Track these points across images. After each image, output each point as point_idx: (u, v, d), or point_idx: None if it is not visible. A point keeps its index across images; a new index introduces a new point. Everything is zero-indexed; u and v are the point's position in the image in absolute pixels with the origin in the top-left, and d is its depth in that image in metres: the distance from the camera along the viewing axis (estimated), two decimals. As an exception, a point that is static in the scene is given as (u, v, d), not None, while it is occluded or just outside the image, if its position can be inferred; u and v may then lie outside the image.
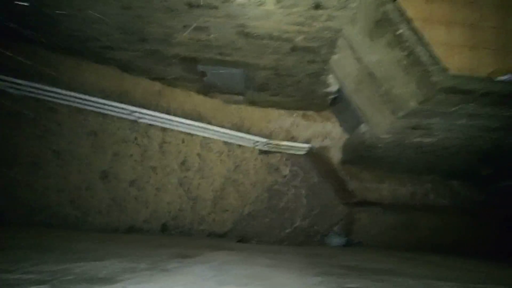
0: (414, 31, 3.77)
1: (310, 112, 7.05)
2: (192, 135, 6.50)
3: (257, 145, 6.56)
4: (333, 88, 6.07)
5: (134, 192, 6.23)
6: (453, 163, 5.99)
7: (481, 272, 3.18)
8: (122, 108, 5.90)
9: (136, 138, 6.31)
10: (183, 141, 6.50)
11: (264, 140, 6.40)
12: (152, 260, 2.59)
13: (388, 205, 6.62)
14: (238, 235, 6.34)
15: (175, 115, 6.23)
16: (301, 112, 7.04)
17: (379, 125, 5.10)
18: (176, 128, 6.35)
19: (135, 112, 5.93)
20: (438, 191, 6.81)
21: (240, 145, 6.64)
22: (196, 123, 6.23)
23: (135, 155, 6.30)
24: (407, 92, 4.14)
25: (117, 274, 2.06)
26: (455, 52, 4.64)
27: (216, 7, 4.23)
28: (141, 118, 6.17)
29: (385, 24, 3.83)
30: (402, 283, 2.28)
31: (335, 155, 6.93)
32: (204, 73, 6.06)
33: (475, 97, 3.84)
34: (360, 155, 6.20)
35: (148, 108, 6.09)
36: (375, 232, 6.56)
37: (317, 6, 4.05)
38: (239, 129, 6.59)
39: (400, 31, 3.78)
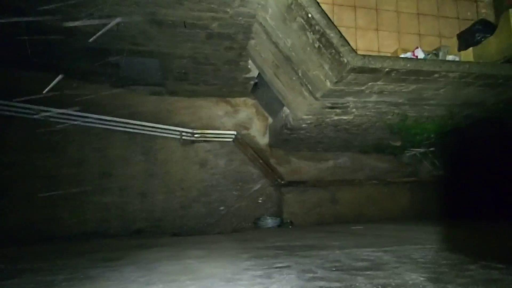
0: (323, 14, 3.92)
1: (233, 99, 7.06)
2: (112, 131, 6.10)
3: (182, 136, 6.40)
4: (253, 73, 6.13)
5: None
6: (367, 138, 6.44)
7: (393, 236, 3.51)
8: (27, 108, 5.34)
9: (48, 136, 5.76)
10: (102, 138, 6.09)
11: (189, 130, 6.29)
12: (73, 269, 2.40)
13: (313, 183, 6.95)
14: (171, 229, 6.18)
15: (91, 111, 5.81)
16: (224, 99, 7.02)
17: (300, 107, 5.27)
18: (93, 125, 5.92)
19: (42, 111, 5.40)
20: (356, 166, 7.33)
21: (165, 137, 6.42)
22: (117, 119, 5.90)
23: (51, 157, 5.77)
24: (322, 73, 4.31)
25: (31, 291, 1.88)
26: (361, 34, 4.97)
27: (122, -6, 3.98)
28: (51, 117, 5.64)
29: (296, 8, 3.91)
30: (327, 256, 2.41)
31: (261, 140, 7.06)
32: (117, 65, 5.71)
33: (381, 75, 4.11)
34: (284, 138, 6.38)
35: (59, 107, 5.59)
36: (303, 210, 6.85)
37: (229, -8, 4.01)
38: (162, 121, 6.36)
39: (310, 15, 3.90)
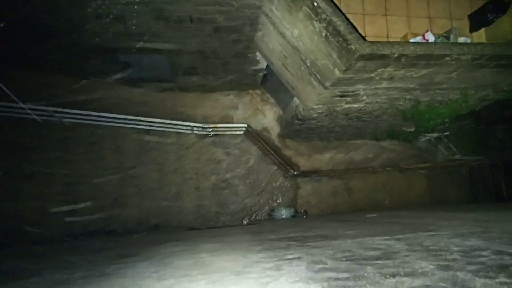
0: (329, 2, 3.87)
1: (243, 92, 7.07)
2: (124, 128, 6.19)
3: (194, 131, 6.46)
4: (262, 65, 6.11)
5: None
6: (379, 125, 6.37)
7: (407, 223, 3.48)
8: (38, 110, 5.45)
9: (64, 138, 5.88)
10: (115, 137, 6.19)
11: (200, 125, 6.33)
12: (90, 266, 2.47)
13: (327, 172, 6.93)
14: (187, 223, 6.27)
15: (104, 110, 5.90)
16: (234, 92, 7.02)
17: (310, 97, 5.24)
18: (106, 124, 6.02)
19: (57, 112, 5.51)
20: (369, 153, 7.26)
21: (177, 133, 6.48)
22: (128, 117, 5.98)
23: (64, 156, 5.89)
24: (330, 62, 4.27)
25: (47, 289, 1.95)
26: (369, 20, 4.88)
27: (127, -7, 4.02)
28: (65, 118, 5.75)
29: (301, -3, 3.87)
30: (339, 246, 2.41)
31: (273, 131, 7.06)
32: (127, 63, 5.77)
33: (391, 61, 4.05)
34: (296, 128, 6.36)
35: (73, 107, 5.70)
36: (317, 200, 6.86)
37: (233, -16, 4.00)
38: (173, 116, 6.41)
39: (316, 3, 3.85)
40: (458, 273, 1.45)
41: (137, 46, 5.23)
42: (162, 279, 1.82)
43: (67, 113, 5.64)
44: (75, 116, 5.74)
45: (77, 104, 5.86)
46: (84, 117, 5.78)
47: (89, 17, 4.48)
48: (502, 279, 1.32)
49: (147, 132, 6.34)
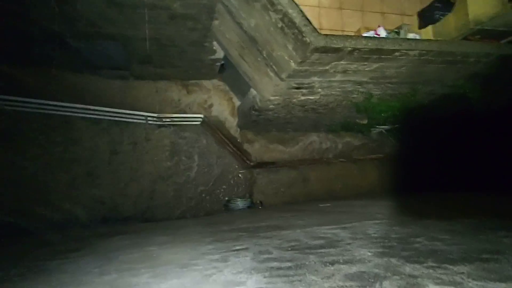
0: (285, -7, 3.88)
1: (200, 81, 6.95)
2: (75, 118, 5.89)
3: (149, 121, 6.28)
4: (219, 55, 6.03)
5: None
6: (334, 117, 6.53)
7: (357, 212, 3.61)
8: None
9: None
10: (64, 126, 5.88)
11: (155, 115, 6.16)
12: (30, 262, 2.35)
13: (283, 163, 7.02)
14: (141, 215, 6.12)
15: (53, 99, 5.57)
16: (191, 82, 6.90)
17: (266, 88, 5.26)
18: (54, 112, 5.69)
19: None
20: (324, 145, 7.44)
21: (130, 123, 6.26)
22: (77, 105, 5.69)
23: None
24: (286, 54, 4.30)
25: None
26: (325, 12, 4.96)
27: (73, -26, 3.79)
28: (7, 105, 5.38)
29: (257, -13, 3.84)
30: (287, 235, 2.46)
31: (230, 122, 7.03)
32: (78, 49, 5.47)
33: (344, 54, 4.14)
34: (253, 119, 6.37)
35: (18, 95, 5.34)
36: (274, 191, 6.94)
37: (187, -30, 3.89)
38: (126, 105, 6.19)
39: (272, -6, 3.84)
40: (392, 259, 1.52)
41: (88, 31, 4.98)
42: (104, 273, 1.77)
43: (9, 100, 5.26)
44: (18, 104, 5.37)
45: (23, 91, 5.50)
46: (28, 105, 5.42)
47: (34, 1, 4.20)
48: (430, 263, 1.40)
49: (99, 121, 6.06)
